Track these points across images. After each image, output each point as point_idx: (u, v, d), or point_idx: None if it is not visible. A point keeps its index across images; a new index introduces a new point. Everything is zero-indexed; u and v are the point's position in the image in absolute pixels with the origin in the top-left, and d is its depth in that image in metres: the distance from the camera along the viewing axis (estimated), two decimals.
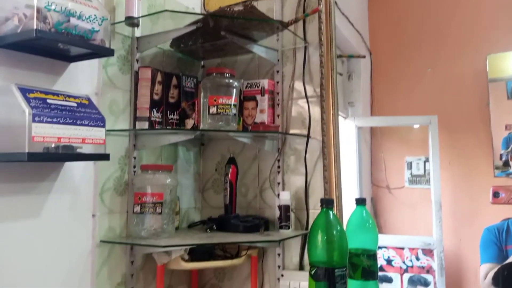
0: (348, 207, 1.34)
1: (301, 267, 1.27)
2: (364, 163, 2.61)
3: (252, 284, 1.30)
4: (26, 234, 0.97)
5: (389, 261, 2.38)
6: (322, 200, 1.10)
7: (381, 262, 2.34)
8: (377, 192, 2.68)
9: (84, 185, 1.10)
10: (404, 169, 2.63)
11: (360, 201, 1.41)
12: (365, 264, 1.29)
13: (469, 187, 2.43)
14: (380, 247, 2.31)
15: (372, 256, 1.33)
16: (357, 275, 1.28)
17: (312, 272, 1.06)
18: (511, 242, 1.80)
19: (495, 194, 2.57)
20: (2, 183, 0.93)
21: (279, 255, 1.29)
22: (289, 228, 1.25)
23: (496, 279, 1.47)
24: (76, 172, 1.09)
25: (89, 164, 1.12)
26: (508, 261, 1.56)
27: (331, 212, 1.09)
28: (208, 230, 1.25)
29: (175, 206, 1.27)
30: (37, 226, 0.99)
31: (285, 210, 1.25)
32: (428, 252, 2.40)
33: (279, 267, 1.28)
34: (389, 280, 2.42)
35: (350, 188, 2.25)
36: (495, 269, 1.53)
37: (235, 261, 1.25)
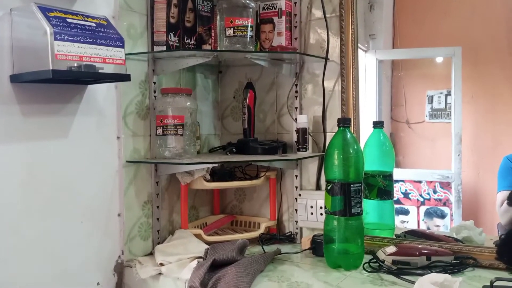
0: (366, 135, 1.35)
1: (317, 187, 1.32)
2: (384, 98, 2.58)
3: (271, 204, 1.36)
4: (58, 153, 1.02)
5: (406, 194, 2.42)
6: (339, 120, 1.12)
7: (398, 195, 2.38)
8: (397, 127, 2.66)
9: (108, 108, 1.14)
10: (424, 103, 2.59)
11: (378, 124, 1.42)
12: (381, 184, 1.33)
13: (491, 122, 2.38)
14: (397, 181, 2.34)
15: (388, 176, 1.37)
16: (373, 195, 1.33)
17: (329, 187, 1.10)
18: None
19: None
20: (31, 103, 0.97)
21: (296, 176, 1.33)
22: (306, 150, 1.28)
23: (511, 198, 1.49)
24: (100, 95, 1.12)
25: (111, 88, 1.15)
26: None
27: (347, 131, 1.11)
28: (228, 153, 1.29)
29: (196, 130, 1.31)
30: (67, 145, 1.05)
31: (302, 133, 1.28)
32: (445, 185, 2.42)
33: (296, 187, 1.33)
34: (405, 212, 2.47)
35: (369, 124, 2.25)
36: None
37: (254, 182, 1.30)
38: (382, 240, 1.19)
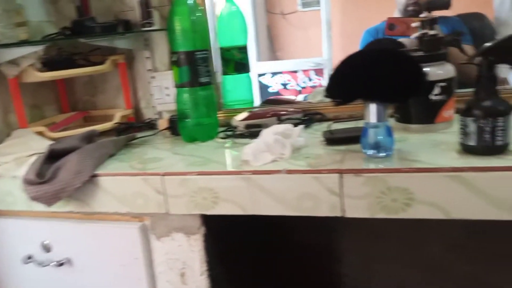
0: None
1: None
2: None
3: (124, 92, 1.26)
4: None
5: (285, 85, 2.49)
6: None
7: (277, 87, 2.45)
8: (272, 19, 2.64)
9: None
10: None
11: None
12: (237, 58, 1.30)
13: (358, 7, 2.47)
14: (275, 73, 2.38)
15: (243, 49, 1.33)
16: (231, 69, 1.29)
17: (174, 59, 1.02)
18: None
19: (390, 27, 2.64)
20: None
21: (147, 58, 1.23)
22: (151, 25, 1.16)
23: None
24: None
25: None
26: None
27: None
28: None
29: (19, 13, 1.09)
30: None
31: (145, 5, 1.15)
32: (319, 71, 2.53)
33: (149, 70, 1.24)
34: None
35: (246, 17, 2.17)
36: None
37: (99, 68, 1.17)
38: (239, 111, 1.18)
